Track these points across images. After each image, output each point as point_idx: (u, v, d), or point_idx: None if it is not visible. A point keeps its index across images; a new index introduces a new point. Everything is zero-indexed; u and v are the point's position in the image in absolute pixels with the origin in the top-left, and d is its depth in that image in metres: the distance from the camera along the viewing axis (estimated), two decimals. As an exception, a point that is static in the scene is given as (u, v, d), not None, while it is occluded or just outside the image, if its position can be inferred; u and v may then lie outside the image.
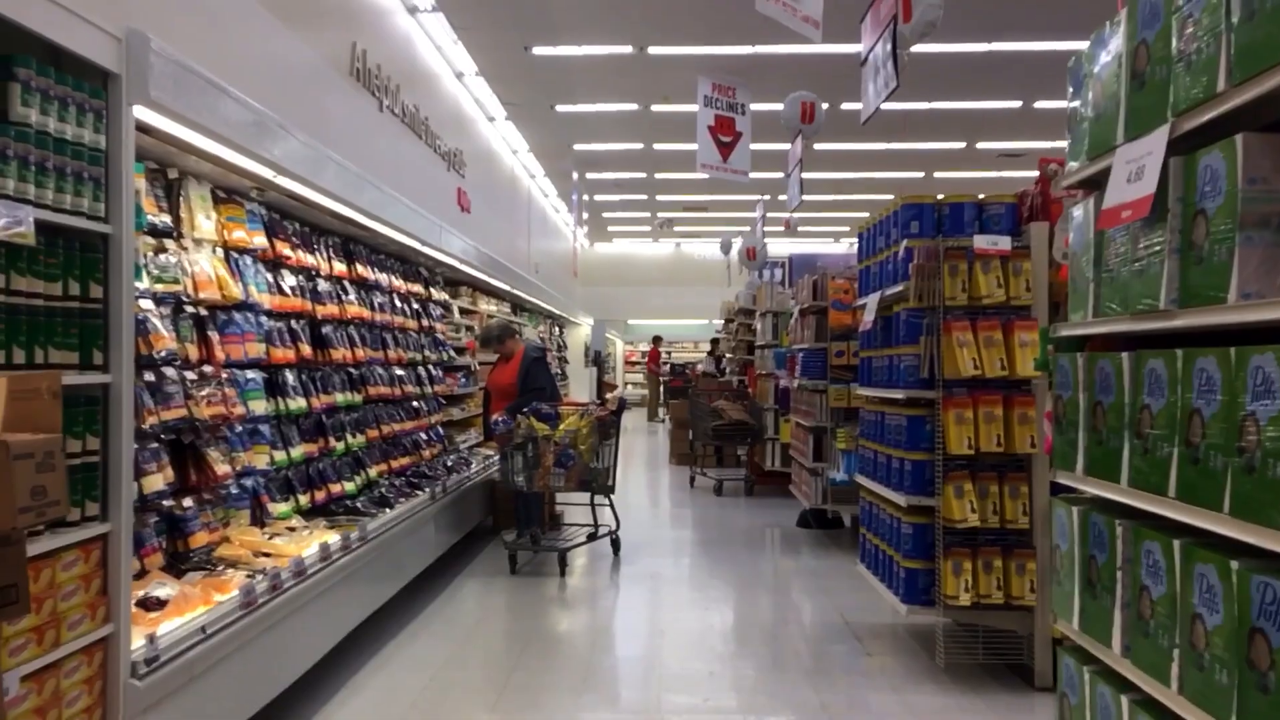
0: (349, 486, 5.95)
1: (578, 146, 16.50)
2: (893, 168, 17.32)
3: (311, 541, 4.62)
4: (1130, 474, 2.40)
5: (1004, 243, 4.52)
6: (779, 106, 9.98)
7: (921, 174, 17.99)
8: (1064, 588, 2.78)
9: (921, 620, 4.78)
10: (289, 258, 5.28)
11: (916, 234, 4.82)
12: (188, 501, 4.20)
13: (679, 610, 6.33)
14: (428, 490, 6.62)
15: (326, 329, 5.81)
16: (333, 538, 4.79)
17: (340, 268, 6.11)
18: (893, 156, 17.06)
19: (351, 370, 6.22)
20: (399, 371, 7.19)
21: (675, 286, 29.10)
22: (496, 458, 7.86)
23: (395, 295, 7.26)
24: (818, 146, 15.58)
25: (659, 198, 21.79)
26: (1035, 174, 4.83)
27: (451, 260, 8.41)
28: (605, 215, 24.86)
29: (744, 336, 14.21)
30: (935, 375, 4.61)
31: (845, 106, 13.09)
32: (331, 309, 5.85)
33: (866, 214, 6.01)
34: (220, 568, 4.03)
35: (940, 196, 4.87)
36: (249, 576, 3.93)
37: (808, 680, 4.79)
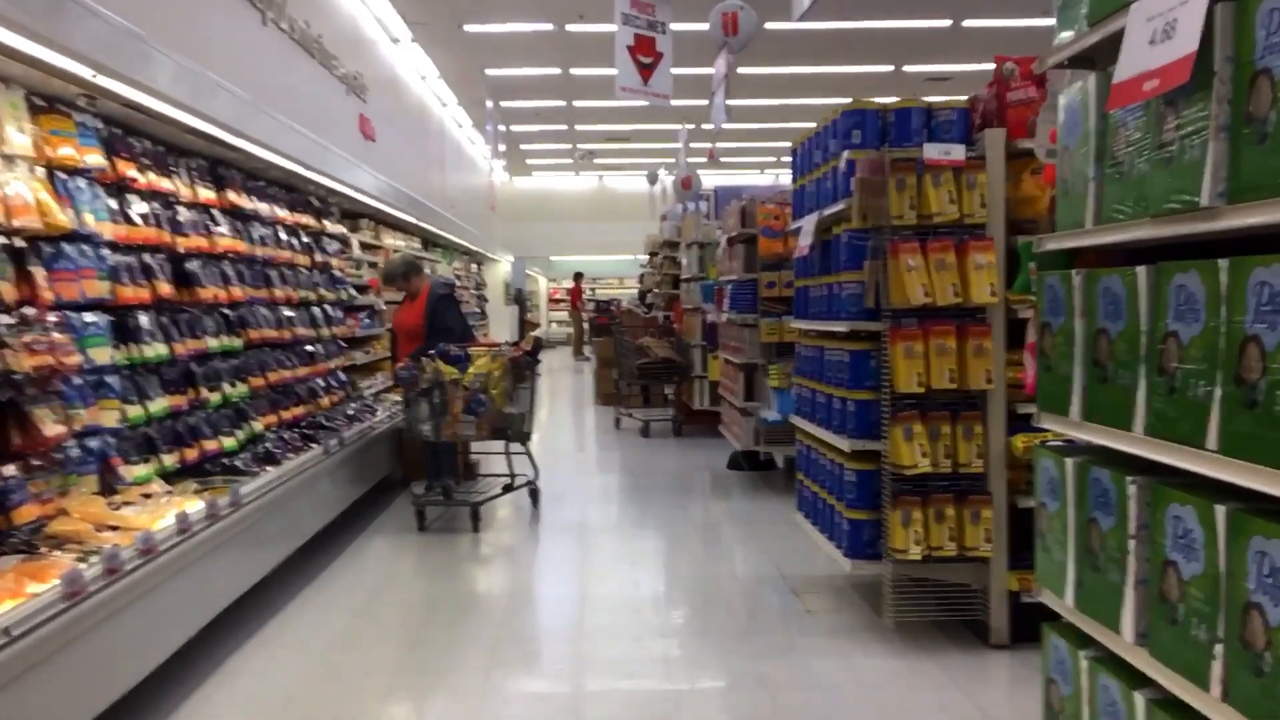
0: (228, 443, 5.28)
1: (490, 71, 15.62)
2: (818, 93, 16.76)
3: (168, 511, 3.97)
4: (1149, 420, 1.90)
5: (957, 152, 3.99)
6: (702, 26, 9.34)
7: (848, 100, 17.44)
8: (1053, 556, 2.30)
9: (865, 571, 4.34)
10: (137, 181, 4.53)
11: (859, 144, 4.27)
12: (9, 469, 3.52)
13: (603, 567, 5.83)
14: (322, 443, 5.97)
15: (192, 264, 5.08)
16: (196, 505, 4.15)
17: (208, 194, 5.36)
18: (818, 81, 16.50)
19: (227, 311, 5.50)
20: (288, 312, 6.48)
21: (599, 222, 28.41)
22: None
23: (280, 227, 6.51)
24: (741, 71, 14.95)
25: (579, 127, 20.98)
26: (964, 99, 4.31)
27: (347, 189, 7.66)
28: (524, 148, 23.97)
29: (669, 270, 13.65)
30: (881, 304, 4.10)
31: (770, 26, 12.44)
32: (198, 241, 5.12)
33: (789, 144, 5.44)
34: (45, 549, 3.37)
35: (884, 102, 4.33)
36: (79, 560, 3.28)
37: (744, 645, 4.33)
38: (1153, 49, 1.80)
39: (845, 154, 4.24)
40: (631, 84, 10.67)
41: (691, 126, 16.71)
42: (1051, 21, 2.32)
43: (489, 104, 16.98)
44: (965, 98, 4.33)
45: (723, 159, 22.37)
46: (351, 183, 7.83)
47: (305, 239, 7.04)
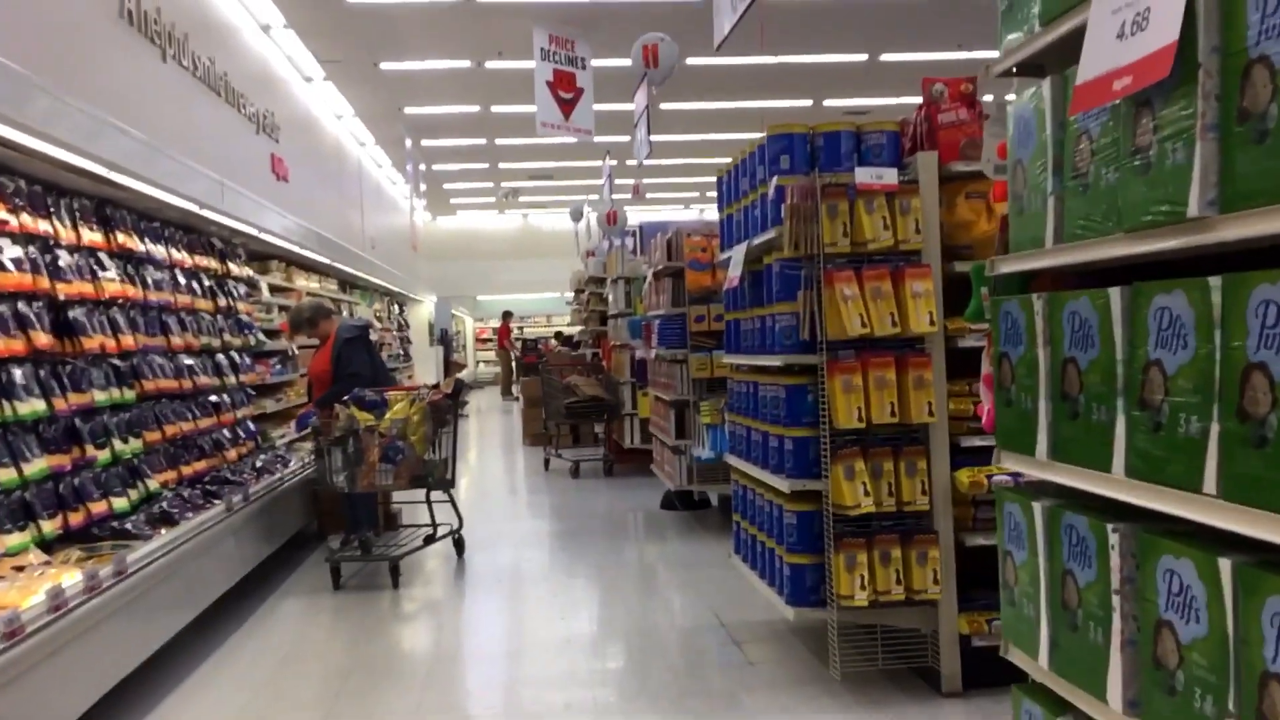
0: (120, 504, 4.85)
1: (408, 110, 15.29)
2: (740, 128, 16.74)
3: (42, 585, 3.56)
4: (1130, 459, 1.69)
5: (890, 176, 3.82)
6: (624, 62, 9.18)
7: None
8: (1022, 611, 2.07)
9: (809, 618, 4.09)
10: (8, 223, 4.14)
11: (788, 170, 4.08)
12: None
13: (533, 621, 5.50)
14: (224, 500, 5.56)
15: (75, 312, 4.68)
16: (74, 577, 3.74)
17: (93, 237, 4.97)
18: (739, 116, 16.49)
19: (117, 361, 5.09)
20: (188, 361, 6.06)
21: (525, 259, 28.18)
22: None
23: (179, 270, 6.11)
24: (663, 106, 14.90)
25: (502, 165, 20.73)
26: (894, 122, 4.16)
27: (255, 230, 7.28)
28: (447, 186, 23.62)
29: (596, 307, 13.41)
30: (818, 336, 3.89)
31: (690, 61, 12.37)
32: (81, 287, 4.72)
33: (714, 178, 5.25)
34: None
35: (812, 126, 4.15)
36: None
37: (685, 701, 4.04)
38: (1122, 44, 1.61)
39: (774, 180, 4.05)
40: (552, 119, 10.50)
41: (615, 163, 16.59)
42: (965, 55, 2.13)
43: (408, 143, 16.64)
44: (895, 121, 4.18)
45: (648, 195, 22.30)
46: (259, 224, 7.46)
47: (207, 282, 6.64)
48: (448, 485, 6.54)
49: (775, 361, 4.14)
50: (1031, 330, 1.98)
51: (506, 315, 24.41)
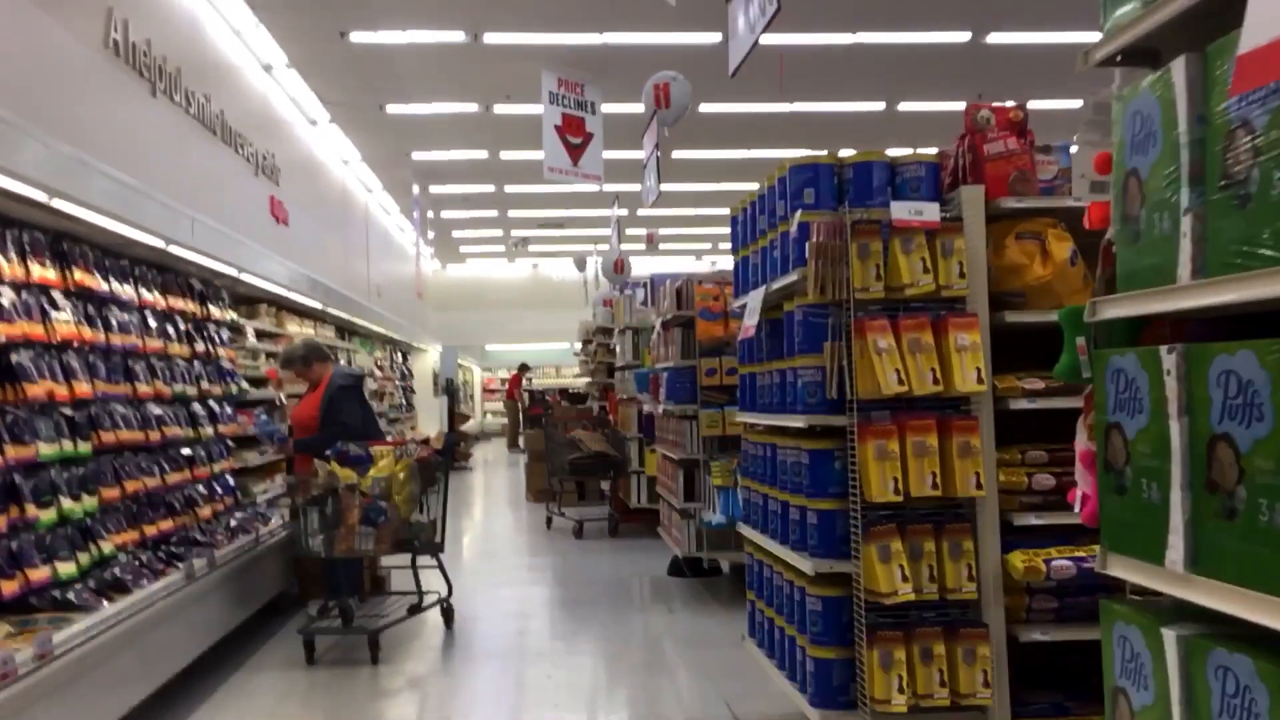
0: (66, 569, 4.34)
1: (416, 155, 15.01)
2: (753, 177, 16.42)
3: (-60, 675, 3.06)
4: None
5: (930, 211, 3.35)
6: (636, 108, 8.83)
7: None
8: (1143, 770, 1.54)
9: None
10: (-66, 255, 3.70)
11: (812, 205, 3.61)
12: None
13: (526, 707, 4.94)
14: (186, 565, 5.05)
15: (19, 356, 4.22)
16: (-17, 664, 3.23)
17: (45, 274, 4.52)
18: (753, 165, 16.16)
19: (69, 411, 4.62)
20: (156, 410, 5.58)
21: (535, 309, 27.81)
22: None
23: (149, 312, 5.66)
24: (676, 154, 14.59)
25: (511, 213, 20.44)
26: (932, 152, 3.71)
27: (234, 272, 6.85)
28: (456, 234, 23.34)
29: (603, 358, 12.94)
30: (846, 394, 3.40)
31: (704, 109, 12.05)
32: (26, 328, 4.26)
33: (726, 230, 4.80)
34: None
35: (841, 154, 3.69)
36: None
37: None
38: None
39: (797, 215, 3.58)
40: (560, 164, 10.14)
41: (625, 212, 16.24)
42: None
43: (415, 188, 16.35)
44: (933, 154, 3.72)
45: (660, 245, 21.97)
46: (245, 265, 7.04)
47: (184, 326, 6.18)
48: (436, 549, 6.03)
49: (797, 422, 3.64)
50: (1159, 395, 1.48)
51: (523, 368, 23.92)
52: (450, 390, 18.59)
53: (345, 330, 11.73)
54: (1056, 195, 3.56)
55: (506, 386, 24.43)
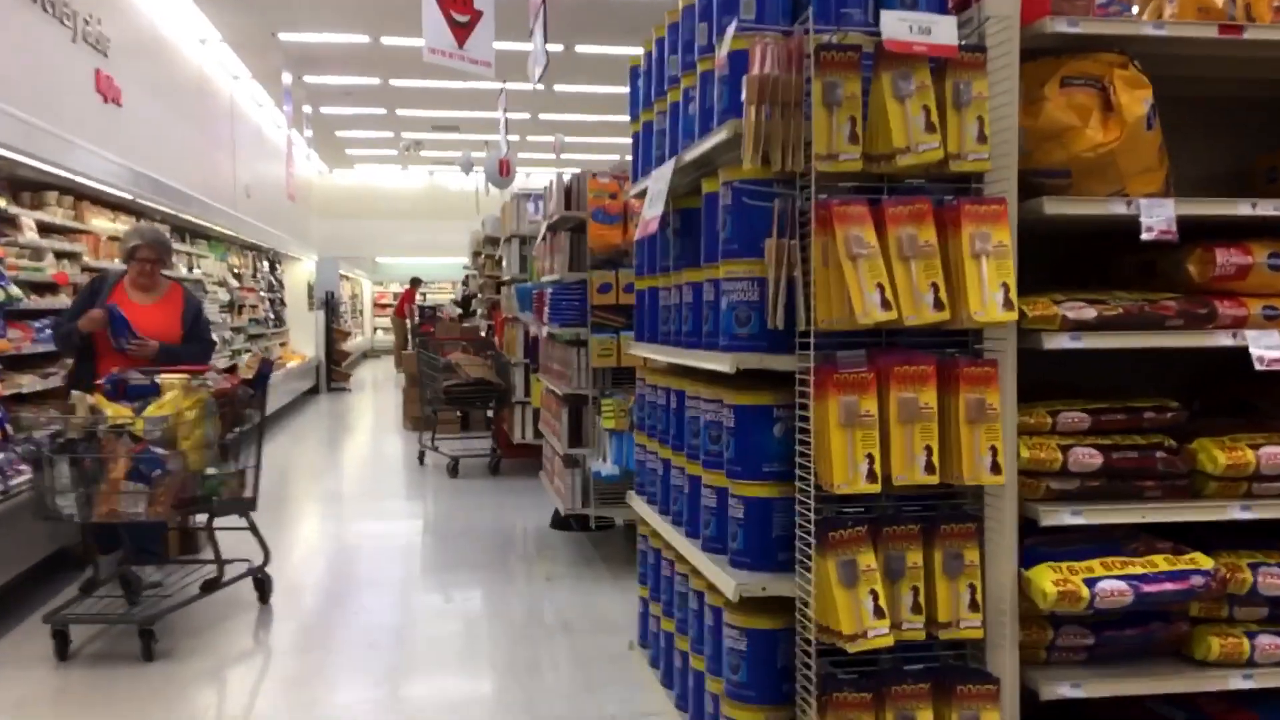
0: None
1: (284, 36, 13.13)
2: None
3: None
4: None
5: (945, 30, 2.09)
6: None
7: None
8: None
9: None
10: None
11: (753, 22, 2.32)
12: None
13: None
14: None
15: None
16: None
17: None
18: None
19: None
20: None
21: (430, 220, 26.15)
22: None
23: None
24: (582, 49, 13.06)
25: (400, 112, 18.62)
26: None
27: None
28: (341, 134, 21.36)
29: (491, 271, 11.52)
30: (799, 323, 2.16)
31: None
32: None
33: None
34: None
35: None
36: None
37: None
38: None
39: (728, 37, 2.27)
40: (443, 45, 8.56)
41: (525, 116, 14.64)
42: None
43: (286, 76, 14.46)
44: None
45: (567, 155, 20.40)
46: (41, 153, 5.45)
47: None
48: (245, 507, 4.69)
49: (719, 364, 2.37)
50: None
51: (415, 282, 22.28)
52: (329, 304, 16.89)
53: (186, 231, 10.04)
54: (1127, 19, 2.33)
55: (398, 302, 22.75)
